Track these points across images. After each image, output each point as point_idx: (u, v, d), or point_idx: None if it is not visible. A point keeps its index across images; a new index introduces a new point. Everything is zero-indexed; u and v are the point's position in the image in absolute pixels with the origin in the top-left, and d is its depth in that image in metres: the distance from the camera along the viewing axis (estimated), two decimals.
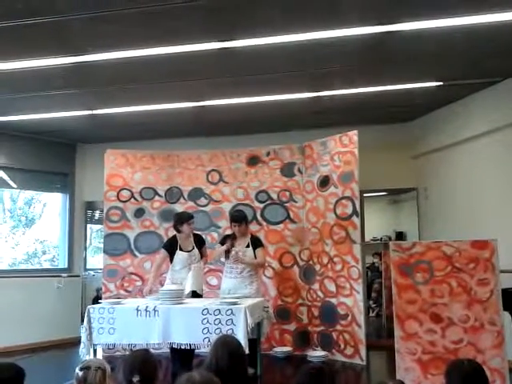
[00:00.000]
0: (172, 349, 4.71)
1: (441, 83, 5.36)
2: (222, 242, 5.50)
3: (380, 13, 3.83)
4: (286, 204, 6.44)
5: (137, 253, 6.52)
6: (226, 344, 2.65)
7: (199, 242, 5.43)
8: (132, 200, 6.62)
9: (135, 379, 2.49)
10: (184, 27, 3.98)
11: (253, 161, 6.62)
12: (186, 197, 6.71)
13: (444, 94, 5.81)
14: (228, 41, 4.17)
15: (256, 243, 5.40)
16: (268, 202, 6.50)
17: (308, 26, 3.97)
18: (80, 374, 2.33)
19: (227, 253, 5.34)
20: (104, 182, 6.58)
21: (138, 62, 4.57)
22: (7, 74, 4.78)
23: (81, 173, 7.96)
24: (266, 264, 6.15)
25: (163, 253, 5.41)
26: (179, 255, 5.30)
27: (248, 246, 5.33)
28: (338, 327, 5.81)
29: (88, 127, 7.02)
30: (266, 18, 3.87)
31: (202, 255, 5.42)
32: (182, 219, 5.35)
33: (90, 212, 8.43)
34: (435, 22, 3.89)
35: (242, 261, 5.21)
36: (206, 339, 4.05)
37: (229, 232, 5.79)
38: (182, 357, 4.81)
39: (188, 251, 5.31)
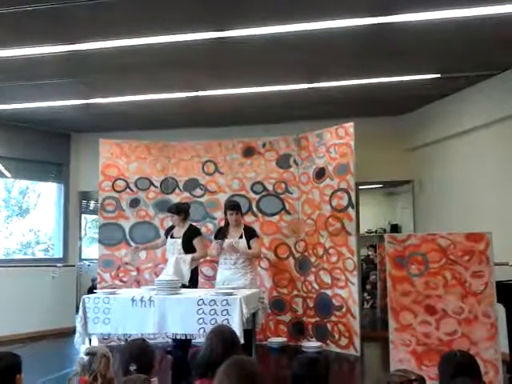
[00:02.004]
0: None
1: (437, 75, 5.36)
2: (217, 236, 5.49)
3: (377, 4, 3.82)
4: (281, 195, 6.44)
5: (132, 243, 6.49)
6: (220, 333, 2.68)
7: (190, 234, 5.36)
8: (127, 190, 6.61)
9: (132, 368, 2.52)
10: (179, 16, 3.96)
11: (248, 152, 6.61)
12: (181, 187, 6.70)
13: (440, 86, 5.81)
14: (223, 30, 4.14)
15: (250, 234, 5.35)
16: (263, 194, 6.50)
17: (304, 17, 3.95)
18: (85, 359, 2.35)
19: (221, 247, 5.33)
20: (99, 172, 6.56)
21: (133, 52, 4.54)
22: (2, 61, 4.74)
23: (76, 162, 7.92)
24: (262, 255, 6.16)
25: (162, 237, 5.78)
26: (167, 241, 5.44)
27: (241, 237, 5.30)
28: (333, 318, 5.84)
29: (83, 117, 6.98)
30: (261, 8, 3.85)
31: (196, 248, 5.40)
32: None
33: (84, 202, 8.42)
34: (432, 14, 3.88)
35: (235, 249, 5.18)
36: (202, 329, 4.04)
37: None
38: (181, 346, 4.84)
39: (174, 238, 5.36)
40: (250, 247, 5.26)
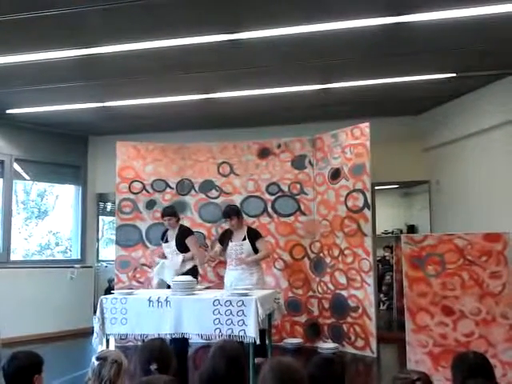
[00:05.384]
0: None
1: (453, 75, 5.31)
2: (220, 240, 5.53)
3: (391, 3, 3.80)
4: (296, 196, 6.44)
5: (148, 244, 6.57)
6: (225, 351, 2.50)
7: (182, 235, 5.40)
8: (143, 192, 6.66)
9: (152, 367, 2.51)
10: (192, 19, 3.98)
11: (264, 153, 6.62)
12: (196, 189, 6.73)
13: (456, 86, 5.76)
14: (237, 32, 4.16)
15: (254, 235, 5.36)
16: (279, 194, 6.50)
17: (318, 18, 3.95)
18: (96, 364, 2.32)
19: (224, 250, 5.40)
20: (116, 174, 6.62)
21: (148, 54, 4.58)
22: (20, 66, 4.82)
23: (93, 165, 8.01)
24: (276, 256, 6.17)
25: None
26: (163, 245, 5.52)
27: (244, 239, 5.32)
28: (349, 319, 5.82)
29: (100, 119, 7.05)
30: (274, 9, 3.86)
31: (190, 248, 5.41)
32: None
33: (102, 204, 8.50)
34: (447, 13, 3.85)
35: (246, 262, 5.22)
36: (217, 330, 4.06)
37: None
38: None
39: (168, 242, 5.44)
40: (255, 249, 5.27)
